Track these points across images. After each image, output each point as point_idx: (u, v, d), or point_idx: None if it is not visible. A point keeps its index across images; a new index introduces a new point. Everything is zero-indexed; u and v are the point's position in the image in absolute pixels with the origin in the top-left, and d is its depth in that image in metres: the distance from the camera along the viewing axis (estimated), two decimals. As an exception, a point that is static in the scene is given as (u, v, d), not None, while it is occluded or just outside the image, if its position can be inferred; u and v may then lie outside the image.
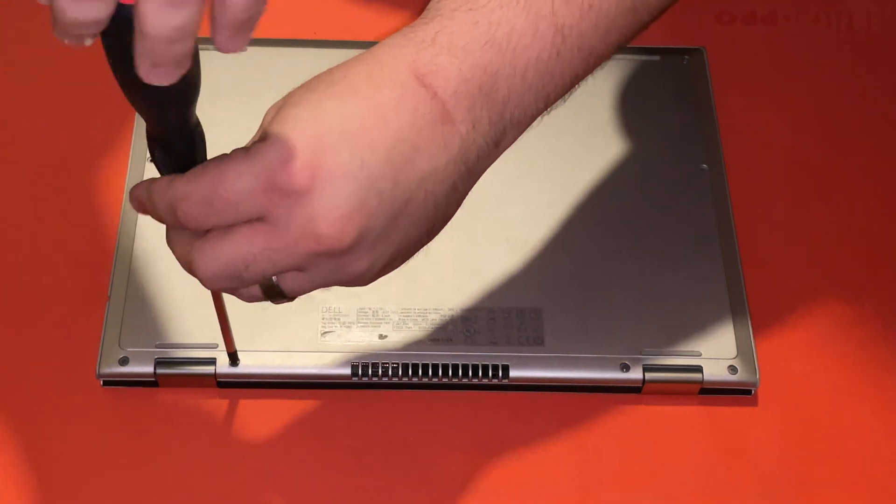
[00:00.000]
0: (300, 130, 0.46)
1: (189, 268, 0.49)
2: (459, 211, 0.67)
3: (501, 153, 0.52)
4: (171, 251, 0.50)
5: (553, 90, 0.52)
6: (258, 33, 0.76)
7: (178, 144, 0.48)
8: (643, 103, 0.73)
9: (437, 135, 0.48)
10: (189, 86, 0.45)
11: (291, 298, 0.50)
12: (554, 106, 0.53)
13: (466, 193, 0.52)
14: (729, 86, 0.75)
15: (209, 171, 0.46)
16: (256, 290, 0.49)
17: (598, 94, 0.73)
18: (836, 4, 0.79)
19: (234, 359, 0.62)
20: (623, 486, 0.62)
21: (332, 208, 0.46)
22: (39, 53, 0.75)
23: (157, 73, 0.42)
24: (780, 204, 0.71)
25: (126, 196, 0.67)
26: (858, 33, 0.79)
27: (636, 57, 0.75)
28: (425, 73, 0.48)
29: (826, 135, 0.74)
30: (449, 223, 0.67)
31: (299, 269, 0.48)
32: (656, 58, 0.75)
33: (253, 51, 0.73)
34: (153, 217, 0.49)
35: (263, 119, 0.49)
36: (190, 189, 0.46)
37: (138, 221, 0.66)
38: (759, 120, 0.74)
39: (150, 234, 0.66)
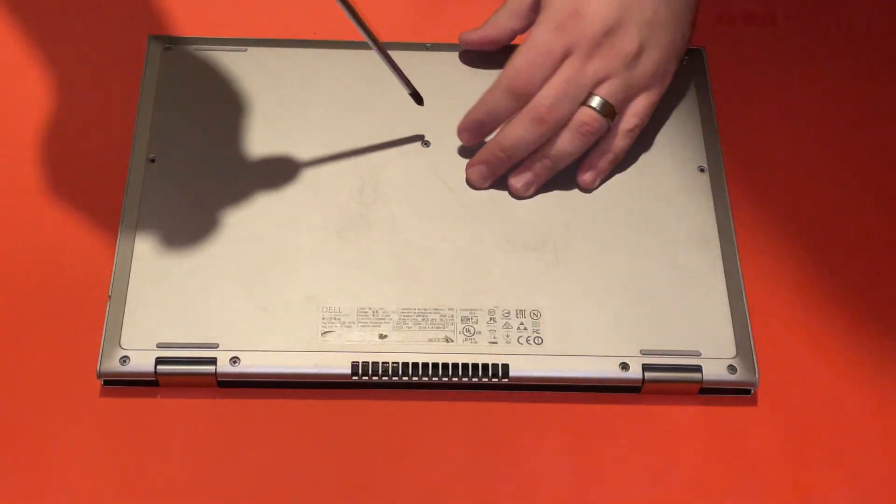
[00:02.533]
0: None
1: (535, 126, 0.67)
2: (459, 211, 0.68)
3: None
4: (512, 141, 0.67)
5: None
6: (258, 33, 0.76)
7: None
8: (643, 103, 0.73)
9: None
10: None
11: (616, 110, 0.67)
12: None
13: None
14: (729, 86, 0.75)
15: (519, 50, 0.67)
16: (588, 111, 0.67)
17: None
18: (836, 4, 0.80)
19: (418, 98, 0.70)
20: (623, 486, 0.62)
21: (596, 7, 0.66)
22: (39, 53, 0.75)
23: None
24: (780, 204, 0.71)
25: (126, 196, 0.67)
26: (858, 33, 0.79)
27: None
28: None
29: (826, 135, 0.74)
30: (449, 223, 0.67)
31: (607, 78, 0.67)
32: (656, 58, 0.75)
33: (253, 51, 0.74)
34: (494, 124, 0.69)
35: None
36: (514, 66, 0.67)
37: (138, 221, 0.67)
38: (759, 120, 0.74)
39: (150, 234, 0.66)
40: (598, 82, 0.67)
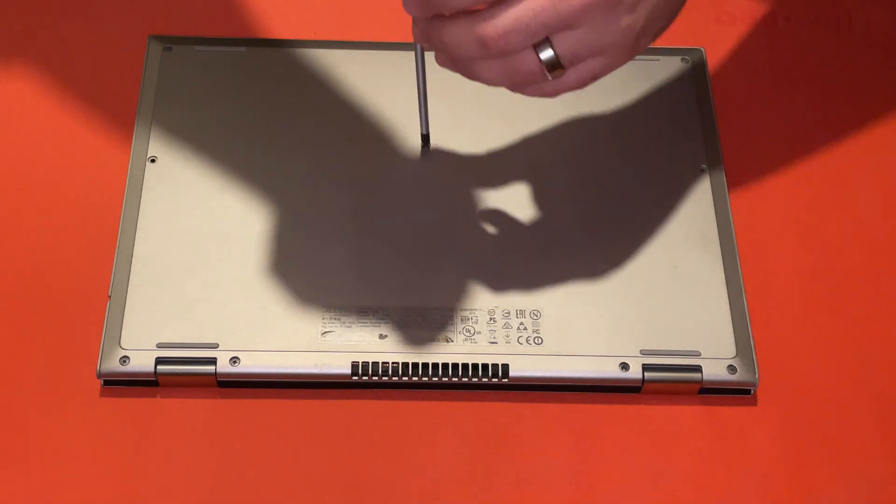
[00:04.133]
0: None
1: (475, 45, 0.56)
2: (459, 211, 0.68)
3: None
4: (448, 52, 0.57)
5: None
6: (258, 33, 0.76)
7: None
8: (643, 103, 0.73)
9: None
10: None
11: (564, 67, 0.57)
12: None
13: None
14: (729, 86, 0.75)
15: None
16: (533, 59, 0.56)
17: (599, 94, 0.73)
18: (836, 4, 0.80)
19: (426, 141, 0.69)
20: (622, 486, 0.62)
21: None
22: (39, 52, 0.75)
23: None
24: (779, 204, 0.71)
25: (126, 196, 0.67)
26: (858, 33, 0.79)
27: (636, 57, 0.75)
28: None
29: (826, 135, 0.74)
30: (449, 223, 0.67)
31: (571, 26, 0.56)
32: (656, 58, 0.75)
33: (253, 51, 0.74)
34: (445, 6, 0.56)
35: None
36: None
37: (139, 221, 0.67)
38: (759, 120, 0.74)
39: (150, 234, 0.66)
40: (563, 29, 0.56)
